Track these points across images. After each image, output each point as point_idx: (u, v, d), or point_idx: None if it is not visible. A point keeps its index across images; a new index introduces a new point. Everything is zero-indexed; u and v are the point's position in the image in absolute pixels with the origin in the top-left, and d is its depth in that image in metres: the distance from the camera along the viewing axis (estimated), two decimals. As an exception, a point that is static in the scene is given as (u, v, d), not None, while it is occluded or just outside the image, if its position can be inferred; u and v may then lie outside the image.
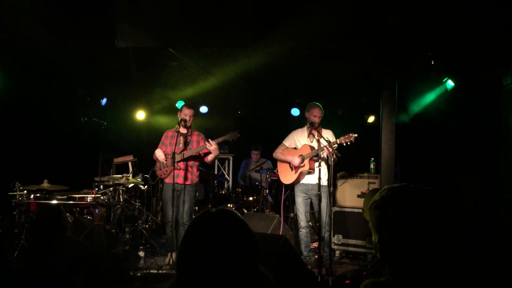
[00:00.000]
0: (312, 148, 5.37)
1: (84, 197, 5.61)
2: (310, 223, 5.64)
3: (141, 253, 5.72)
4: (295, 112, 8.66)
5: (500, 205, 5.43)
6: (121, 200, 6.25)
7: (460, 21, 4.87)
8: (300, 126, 5.76)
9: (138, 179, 6.81)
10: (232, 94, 8.69)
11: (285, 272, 3.65)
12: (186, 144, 5.65)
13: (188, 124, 5.61)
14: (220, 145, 5.57)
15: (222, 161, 9.65)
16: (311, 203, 5.55)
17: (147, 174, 7.17)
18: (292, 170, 5.55)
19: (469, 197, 6.11)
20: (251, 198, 7.51)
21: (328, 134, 5.35)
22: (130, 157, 7.56)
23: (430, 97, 6.86)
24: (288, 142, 5.71)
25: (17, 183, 5.44)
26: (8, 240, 5.11)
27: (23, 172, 5.87)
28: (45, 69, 6.62)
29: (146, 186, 7.10)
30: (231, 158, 9.64)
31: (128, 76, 7.36)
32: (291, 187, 5.78)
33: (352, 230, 6.07)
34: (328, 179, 5.19)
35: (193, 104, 6.10)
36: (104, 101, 8.14)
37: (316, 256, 5.53)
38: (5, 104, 6.52)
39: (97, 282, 3.41)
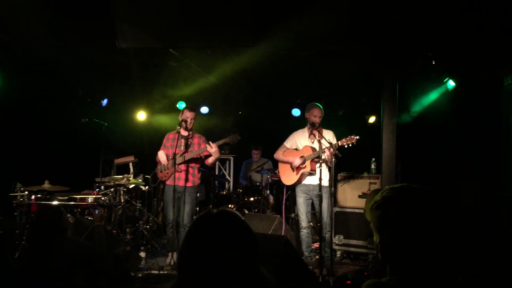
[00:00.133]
0: (313, 149, 5.36)
1: (85, 198, 5.62)
2: (311, 224, 5.64)
3: (142, 254, 5.72)
4: (296, 112, 8.67)
5: (500, 205, 5.43)
6: (122, 200, 6.25)
7: (461, 21, 4.86)
8: (301, 126, 5.75)
9: (139, 180, 6.81)
10: (232, 94, 8.69)
11: (286, 273, 3.65)
12: (187, 146, 5.65)
13: (189, 126, 5.62)
14: (220, 146, 5.57)
15: (223, 161, 9.65)
16: (312, 204, 5.55)
17: (148, 175, 7.17)
18: (293, 171, 5.54)
19: (469, 197, 6.11)
20: (252, 199, 7.51)
21: (329, 135, 5.35)
22: (131, 158, 7.57)
23: (430, 97, 6.86)
24: (289, 143, 5.70)
25: (18, 184, 5.44)
26: (9, 241, 5.11)
27: (24, 173, 5.87)
28: (45, 69, 6.62)
29: (147, 187, 7.11)
30: (231, 158, 9.64)
31: (129, 77, 7.37)
32: (292, 188, 5.77)
33: (353, 230, 6.07)
34: (329, 180, 5.19)
35: (194, 105, 6.11)
36: (104, 101, 8.14)
37: (317, 257, 5.53)
38: (6, 104, 6.52)
39: (98, 282, 3.41)
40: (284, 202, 6.09)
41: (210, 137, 5.80)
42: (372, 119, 8.40)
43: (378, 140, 5.91)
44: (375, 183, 6.11)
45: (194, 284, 1.36)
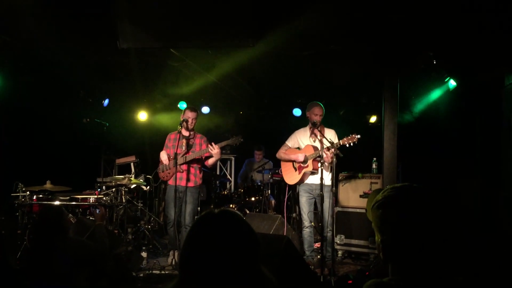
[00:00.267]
0: (315, 148, 5.36)
1: (86, 198, 5.62)
2: (312, 223, 5.65)
3: (144, 254, 5.72)
4: (297, 112, 8.66)
5: (500, 205, 5.42)
6: (124, 200, 6.26)
7: (461, 21, 4.86)
8: (302, 126, 5.75)
9: (140, 180, 6.82)
10: (233, 94, 8.69)
11: (288, 272, 3.65)
12: (188, 147, 5.66)
13: (190, 126, 5.62)
14: (222, 147, 5.57)
15: (224, 161, 9.66)
16: (315, 203, 5.55)
17: (149, 175, 7.18)
18: (295, 170, 5.54)
19: (469, 197, 6.10)
20: (253, 199, 7.52)
21: (330, 134, 5.35)
22: (132, 158, 7.58)
23: (431, 97, 6.86)
24: (291, 142, 5.71)
25: (19, 184, 5.44)
26: (11, 241, 5.12)
27: (25, 173, 5.88)
28: (46, 70, 6.63)
29: (148, 187, 7.12)
30: (233, 158, 9.65)
31: (130, 77, 7.37)
32: (293, 188, 5.77)
33: (355, 230, 6.07)
34: (331, 179, 5.19)
35: (195, 105, 6.11)
36: (106, 102, 8.14)
37: (318, 256, 5.54)
38: (7, 104, 6.53)
39: (99, 282, 3.42)
40: (285, 202, 6.10)
41: (211, 137, 5.81)
42: (373, 119, 8.41)
43: (379, 139, 5.90)
44: (376, 183, 6.12)
45: (195, 283, 1.36)
